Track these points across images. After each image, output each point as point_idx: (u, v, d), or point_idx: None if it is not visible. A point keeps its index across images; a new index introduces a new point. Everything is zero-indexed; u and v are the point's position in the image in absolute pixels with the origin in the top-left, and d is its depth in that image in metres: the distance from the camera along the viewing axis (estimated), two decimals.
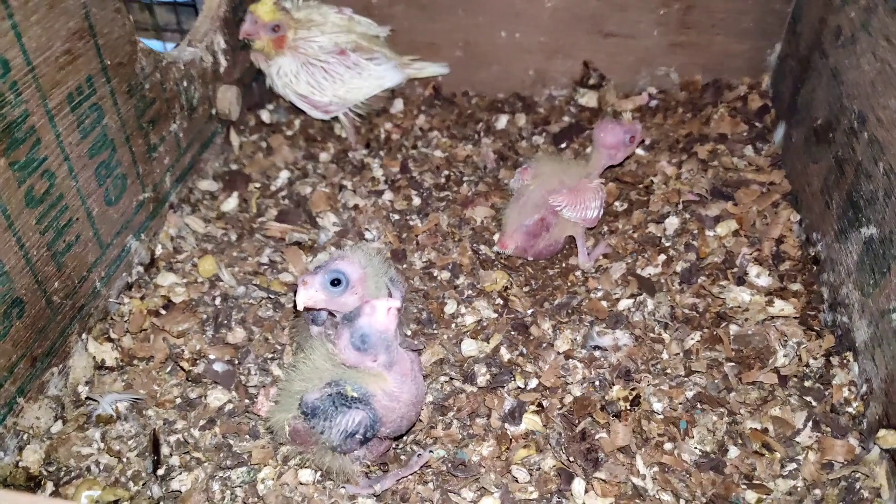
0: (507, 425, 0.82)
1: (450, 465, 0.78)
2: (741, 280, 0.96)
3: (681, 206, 1.07)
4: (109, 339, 0.88)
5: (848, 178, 0.89)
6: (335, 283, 0.74)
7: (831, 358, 0.86)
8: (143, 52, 0.89)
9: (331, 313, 0.79)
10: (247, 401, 0.85)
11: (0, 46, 0.66)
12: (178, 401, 0.84)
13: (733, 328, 0.91)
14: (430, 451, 0.79)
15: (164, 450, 0.80)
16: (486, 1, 1.22)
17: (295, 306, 0.75)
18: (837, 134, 0.93)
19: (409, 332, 0.93)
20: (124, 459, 0.78)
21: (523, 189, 1.01)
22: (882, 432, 0.74)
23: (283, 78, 1.13)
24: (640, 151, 1.18)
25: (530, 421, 0.82)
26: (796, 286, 0.95)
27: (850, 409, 0.81)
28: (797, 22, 1.13)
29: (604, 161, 1.01)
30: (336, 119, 1.22)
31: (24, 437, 0.77)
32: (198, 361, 0.87)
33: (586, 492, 0.76)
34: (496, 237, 1.05)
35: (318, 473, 0.77)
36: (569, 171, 1.01)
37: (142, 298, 0.93)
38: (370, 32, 1.20)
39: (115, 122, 0.86)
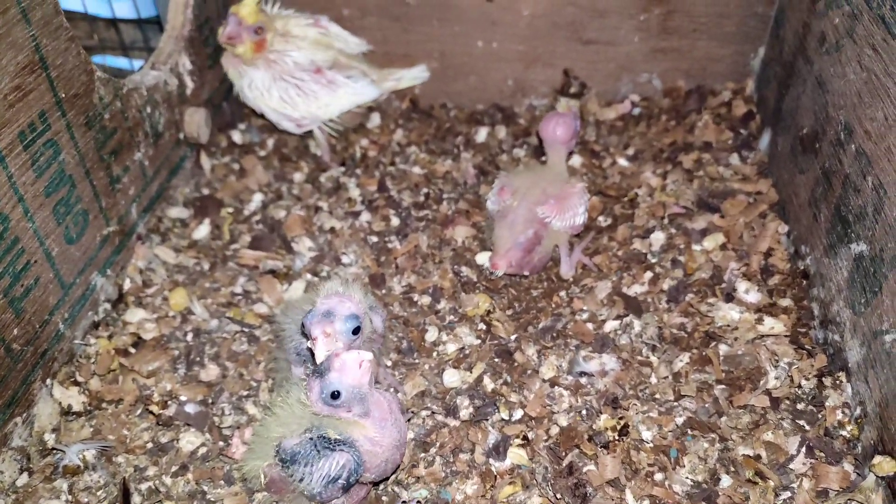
0: (491, 461, 0.79)
1: None
2: (730, 297, 0.94)
3: (666, 220, 1.04)
4: (76, 383, 0.85)
5: (836, 190, 0.86)
6: (355, 330, 0.71)
7: (823, 378, 0.83)
8: (101, 82, 0.85)
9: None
10: (221, 443, 0.81)
11: None
12: (150, 446, 0.81)
13: (723, 348, 0.89)
14: (415, 500, 0.76)
15: (135, 499, 0.77)
16: (461, 10, 1.19)
17: (314, 358, 0.71)
18: (824, 144, 0.91)
19: (388, 363, 0.90)
20: None
21: (507, 208, 0.98)
22: (877, 459, 0.72)
23: (253, 91, 1.10)
24: (623, 162, 1.15)
25: (515, 455, 0.79)
26: (786, 301, 0.93)
27: (843, 433, 0.79)
28: (780, 26, 1.10)
29: (563, 154, 1.01)
30: (311, 135, 1.18)
31: None
32: (169, 403, 0.84)
33: None
34: (478, 258, 1.02)
35: None
36: (545, 179, 0.99)
37: (109, 337, 0.89)
38: (348, 50, 1.16)
39: (73, 156, 0.82)
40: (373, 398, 0.68)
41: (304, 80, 1.11)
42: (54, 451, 0.78)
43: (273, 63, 1.09)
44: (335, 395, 0.64)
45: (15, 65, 0.72)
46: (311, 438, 0.68)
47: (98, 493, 0.76)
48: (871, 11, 0.81)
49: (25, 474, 0.77)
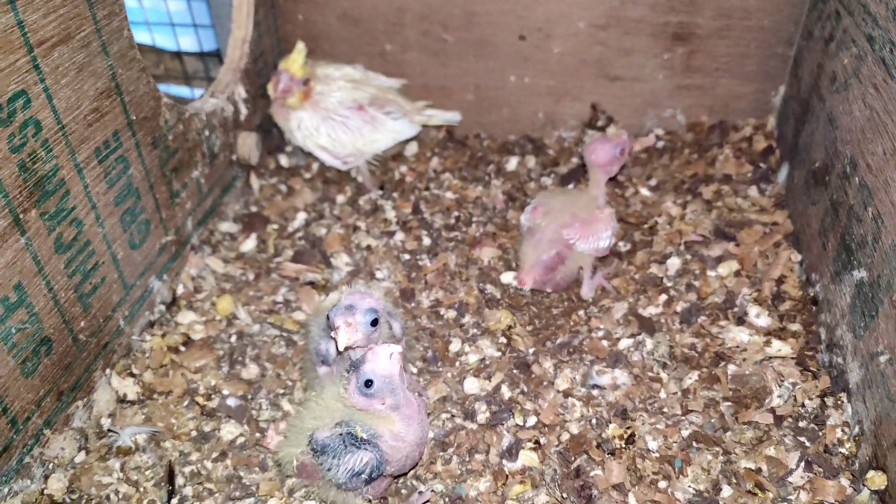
0: (504, 461, 0.85)
1: (447, 499, 0.81)
2: (741, 320, 0.98)
3: (683, 247, 1.09)
4: (131, 375, 0.94)
5: (842, 220, 0.91)
6: (374, 322, 0.79)
7: (826, 398, 0.87)
8: (166, 107, 0.96)
9: (339, 353, 0.83)
10: (257, 434, 0.89)
11: (33, 109, 0.73)
12: (194, 434, 0.89)
13: (731, 368, 0.93)
14: (431, 490, 0.82)
15: (179, 480, 0.84)
16: (496, 47, 1.27)
17: (337, 346, 0.78)
18: (832, 177, 0.95)
19: (414, 371, 0.97)
20: (141, 489, 0.83)
21: (536, 226, 1.04)
22: (871, 473, 0.76)
23: (303, 131, 1.19)
24: (645, 192, 1.21)
25: (527, 457, 0.85)
26: (795, 326, 0.97)
27: (842, 450, 0.82)
28: (798, 66, 1.16)
29: (601, 179, 1.04)
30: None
31: (50, 466, 0.82)
32: (213, 396, 0.92)
33: None
34: (503, 276, 1.09)
35: None
36: (578, 203, 1.04)
37: (163, 336, 0.98)
38: (385, 84, 1.26)
39: (140, 171, 0.92)
40: (405, 396, 0.75)
41: (349, 118, 1.20)
42: (109, 434, 0.87)
43: (319, 105, 1.19)
44: (368, 384, 0.71)
45: (95, 90, 0.82)
46: (341, 434, 0.74)
47: (146, 473, 0.84)
48: (873, 53, 0.86)
49: (83, 452, 0.85)
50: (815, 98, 1.05)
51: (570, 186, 1.23)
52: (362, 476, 0.74)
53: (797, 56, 1.17)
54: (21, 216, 0.74)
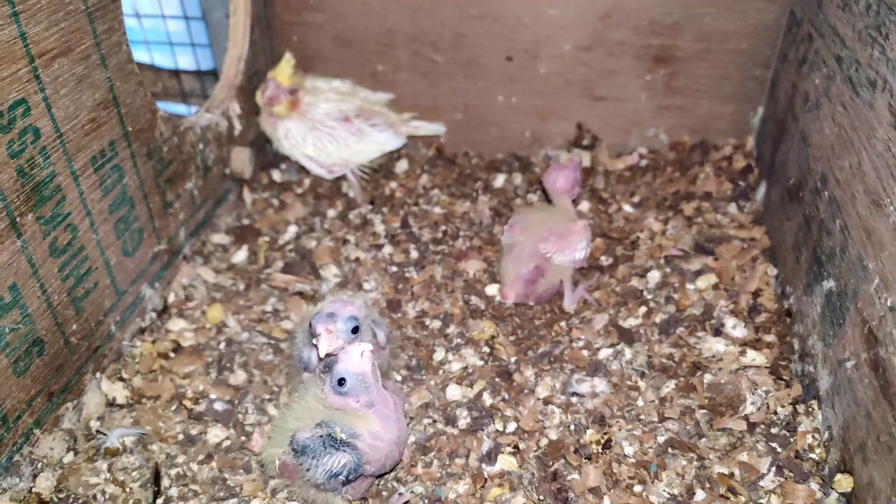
0: (483, 465, 0.87)
1: (427, 500, 0.83)
2: (718, 331, 1.01)
3: (663, 261, 1.12)
4: (121, 379, 0.96)
5: (813, 234, 0.94)
6: (354, 329, 0.81)
7: (798, 406, 0.89)
8: (162, 119, 0.99)
9: (320, 359, 0.85)
10: (243, 438, 0.91)
11: (32, 117, 0.76)
12: (181, 437, 0.91)
13: (707, 377, 0.95)
14: (411, 492, 0.84)
15: (165, 482, 0.86)
16: (484, 68, 1.31)
17: (318, 353, 0.80)
18: (805, 193, 0.98)
19: (399, 378, 0.99)
20: (128, 489, 0.85)
21: (515, 242, 1.08)
22: (838, 476, 0.78)
23: (290, 140, 1.23)
24: (628, 208, 1.24)
25: (506, 462, 0.87)
26: (770, 337, 0.99)
27: (813, 456, 0.84)
28: (775, 87, 1.20)
29: (567, 202, 1.09)
30: (344, 177, 1.31)
31: (39, 465, 0.84)
32: (200, 401, 0.94)
33: None
34: (487, 289, 1.12)
35: None
36: (553, 218, 1.08)
37: (153, 342, 1.01)
38: (373, 98, 1.30)
39: (135, 181, 0.95)
40: (381, 395, 0.77)
41: (335, 129, 1.24)
42: (97, 436, 0.89)
43: (307, 115, 1.23)
44: (341, 383, 0.73)
45: (93, 101, 0.86)
46: (321, 436, 0.76)
47: (133, 474, 0.86)
48: (841, 73, 0.90)
49: (72, 453, 0.87)
50: (790, 118, 1.09)
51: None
52: (339, 477, 0.76)
53: (774, 78, 1.21)
54: (18, 219, 0.76)
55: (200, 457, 0.89)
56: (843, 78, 0.90)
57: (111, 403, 0.93)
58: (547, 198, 1.14)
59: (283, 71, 1.19)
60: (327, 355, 0.81)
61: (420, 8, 1.26)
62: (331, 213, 1.29)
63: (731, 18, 1.18)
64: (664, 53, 1.24)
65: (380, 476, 0.85)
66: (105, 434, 0.88)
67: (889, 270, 0.72)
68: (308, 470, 0.76)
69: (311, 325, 0.81)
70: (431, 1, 1.25)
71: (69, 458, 0.87)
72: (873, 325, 0.74)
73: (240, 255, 1.17)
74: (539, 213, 1.12)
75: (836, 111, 0.91)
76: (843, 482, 0.77)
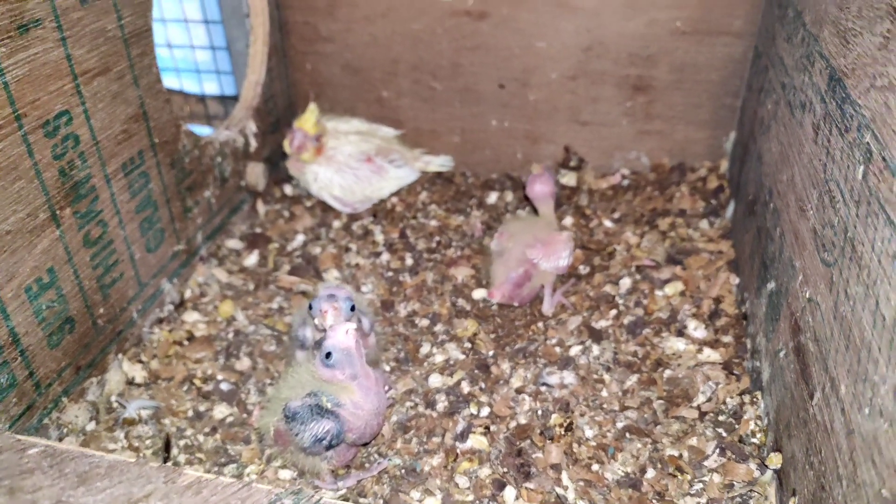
0: (456, 443, 0.97)
1: (403, 471, 0.93)
2: (680, 332, 1.10)
3: (635, 269, 1.22)
4: (140, 361, 1.08)
5: (763, 243, 1.04)
6: (352, 308, 0.94)
7: (744, 396, 0.98)
8: (185, 134, 1.13)
9: (314, 339, 0.97)
10: (244, 415, 1.02)
11: (73, 126, 0.90)
12: (190, 413, 1.02)
13: (667, 372, 1.04)
14: (388, 460, 0.94)
15: (174, 451, 0.97)
16: (479, 94, 1.44)
17: (324, 326, 0.93)
18: (758, 206, 1.08)
19: (387, 369, 1.09)
20: (141, 455, 0.96)
21: (504, 249, 1.18)
22: (770, 455, 0.86)
23: (319, 183, 1.35)
24: (608, 223, 1.35)
25: (477, 440, 0.96)
26: (728, 338, 1.08)
27: (754, 440, 0.93)
28: (743, 114, 1.30)
29: (548, 208, 1.21)
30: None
31: (65, 430, 0.95)
32: (209, 382, 1.06)
33: (516, 498, 0.89)
34: (474, 293, 1.22)
35: (296, 473, 0.93)
36: (538, 226, 1.19)
37: (169, 331, 1.13)
38: (388, 135, 1.43)
39: (159, 187, 1.09)
40: (363, 369, 0.88)
41: (359, 169, 1.36)
42: (117, 408, 1.01)
43: (332, 158, 1.35)
44: (328, 356, 0.84)
45: (125, 115, 0.99)
46: (310, 405, 0.87)
47: (146, 442, 0.97)
48: (784, 97, 1.01)
49: (94, 422, 0.99)
50: (752, 141, 1.19)
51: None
52: (323, 442, 0.86)
53: (742, 106, 1.32)
54: (58, 212, 0.89)
55: (206, 430, 1.00)
56: (784, 102, 1.00)
57: (130, 382, 1.05)
58: (534, 209, 1.25)
59: (308, 120, 1.32)
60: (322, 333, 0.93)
61: (420, 40, 1.40)
62: (336, 223, 1.41)
63: (701, 52, 1.30)
64: (642, 83, 1.35)
65: (363, 446, 0.95)
66: (124, 405, 1.00)
67: (808, 266, 0.82)
68: (297, 435, 0.87)
69: (310, 308, 0.92)
70: (431, 34, 1.39)
71: (91, 426, 0.98)
72: (797, 316, 0.84)
73: (251, 259, 1.30)
74: (524, 222, 1.23)
75: (780, 131, 1.01)
76: (774, 459, 0.85)
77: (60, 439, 0.95)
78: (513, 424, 0.99)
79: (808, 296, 0.81)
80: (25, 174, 0.84)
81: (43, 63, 0.85)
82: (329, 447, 0.87)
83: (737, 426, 0.95)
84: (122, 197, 1.01)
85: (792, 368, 0.84)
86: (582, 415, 0.99)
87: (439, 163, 1.48)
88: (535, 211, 1.25)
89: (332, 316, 0.91)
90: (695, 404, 0.99)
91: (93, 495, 0.50)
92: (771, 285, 0.96)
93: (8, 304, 0.84)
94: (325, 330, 0.92)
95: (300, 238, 1.36)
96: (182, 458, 0.96)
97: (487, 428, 0.98)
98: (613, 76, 1.36)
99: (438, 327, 1.16)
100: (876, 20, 0.70)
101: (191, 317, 1.16)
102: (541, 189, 1.19)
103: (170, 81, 1.56)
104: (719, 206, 1.33)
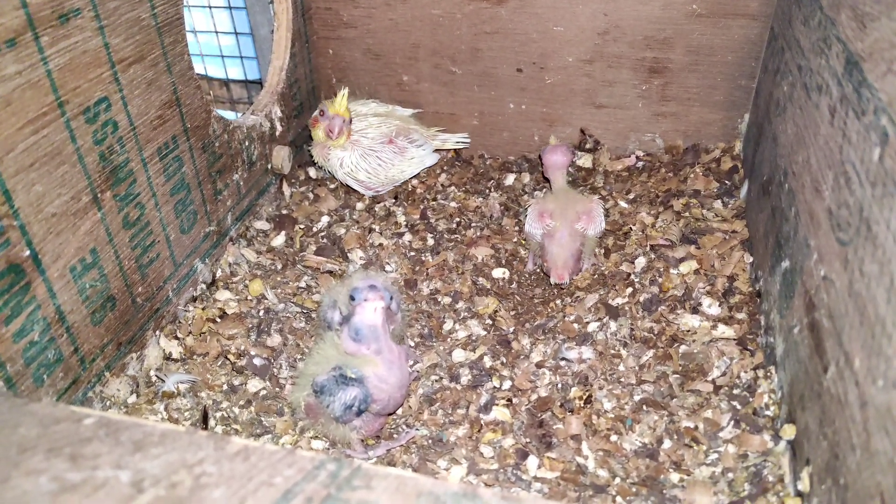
0: (480, 415, 1.01)
1: (430, 441, 0.97)
2: (695, 310, 1.14)
3: (650, 249, 1.26)
4: (176, 337, 1.12)
5: (777, 222, 1.06)
6: (390, 298, 0.98)
7: (758, 371, 1.02)
8: (215, 119, 1.16)
9: (339, 322, 1.01)
10: (277, 389, 1.07)
11: (112, 112, 0.94)
12: (225, 387, 1.07)
13: (682, 348, 1.08)
14: (416, 430, 0.98)
15: (211, 422, 1.02)
16: (497, 78, 1.46)
17: (338, 314, 0.98)
18: (773, 187, 1.11)
19: (412, 344, 1.14)
20: (181, 426, 1.01)
21: (553, 229, 1.20)
22: (784, 426, 0.90)
23: (344, 168, 1.38)
24: (623, 204, 1.38)
25: (500, 412, 1.01)
26: (742, 315, 1.12)
27: (768, 413, 0.97)
28: (758, 96, 1.32)
29: (561, 178, 1.28)
30: None
31: (107, 403, 1.00)
32: (242, 357, 1.10)
33: (538, 467, 0.94)
34: (494, 272, 1.26)
35: (328, 443, 0.98)
36: (569, 200, 1.23)
37: (203, 309, 1.17)
38: (405, 115, 1.46)
39: (191, 170, 1.13)
40: (388, 344, 0.92)
41: (382, 151, 1.39)
42: (156, 382, 1.05)
43: (356, 143, 1.38)
44: (357, 332, 0.89)
45: (160, 101, 1.03)
46: (335, 376, 0.92)
47: (185, 414, 1.02)
48: (801, 80, 1.03)
49: (134, 395, 1.04)
50: (767, 122, 1.22)
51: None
52: (353, 408, 0.90)
53: (758, 87, 1.34)
54: (99, 195, 0.94)
55: (241, 402, 1.04)
56: (801, 84, 1.02)
57: (167, 357, 1.10)
58: (546, 180, 1.29)
59: (342, 105, 1.33)
60: (345, 317, 0.97)
61: (440, 25, 1.42)
62: (359, 205, 1.45)
63: (717, 34, 1.32)
64: (657, 65, 1.38)
65: (388, 415, 0.99)
66: (163, 380, 1.05)
67: (823, 245, 0.85)
68: (327, 406, 0.91)
69: (352, 298, 0.96)
70: (450, 19, 1.41)
71: (132, 399, 1.03)
72: (812, 294, 0.87)
73: (279, 240, 1.34)
74: (554, 199, 1.25)
75: (796, 113, 1.03)
76: (788, 430, 0.89)
77: (105, 412, 1.00)
78: (534, 397, 1.03)
79: (822, 274, 0.84)
80: (69, 159, 0.88)
81: (83, 51, 0.88)
82: (359, 413, 0.92)
83: (751, 399, 0.99)
84: (157, 180, 1.05)
85: (806, 344, 0.87)
86: (600, 388, 1.03)
87: (455, 139, 1.51)
88: (548, 184, 1.29)
89: (376, 303, 0.94)
90: (709, 378, 1.03)
91: (149, 461, 0.54)
92: (785, 264, 1.00)
93: (54, 284, 0.88)
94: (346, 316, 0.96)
95: (325, 219, 1.40)
96: (219, 429, 1.01)
97: (510, 400, 1.02)
98: (629, 59, 1.38)
99: (460, 305, 1.20)
100: (894, 5, 0.73)
101: (223, 295, 1.21)
102: (561, 159, 1.23)
103: (195, 66, 1.59)
104: (733, 187, 1.36)
